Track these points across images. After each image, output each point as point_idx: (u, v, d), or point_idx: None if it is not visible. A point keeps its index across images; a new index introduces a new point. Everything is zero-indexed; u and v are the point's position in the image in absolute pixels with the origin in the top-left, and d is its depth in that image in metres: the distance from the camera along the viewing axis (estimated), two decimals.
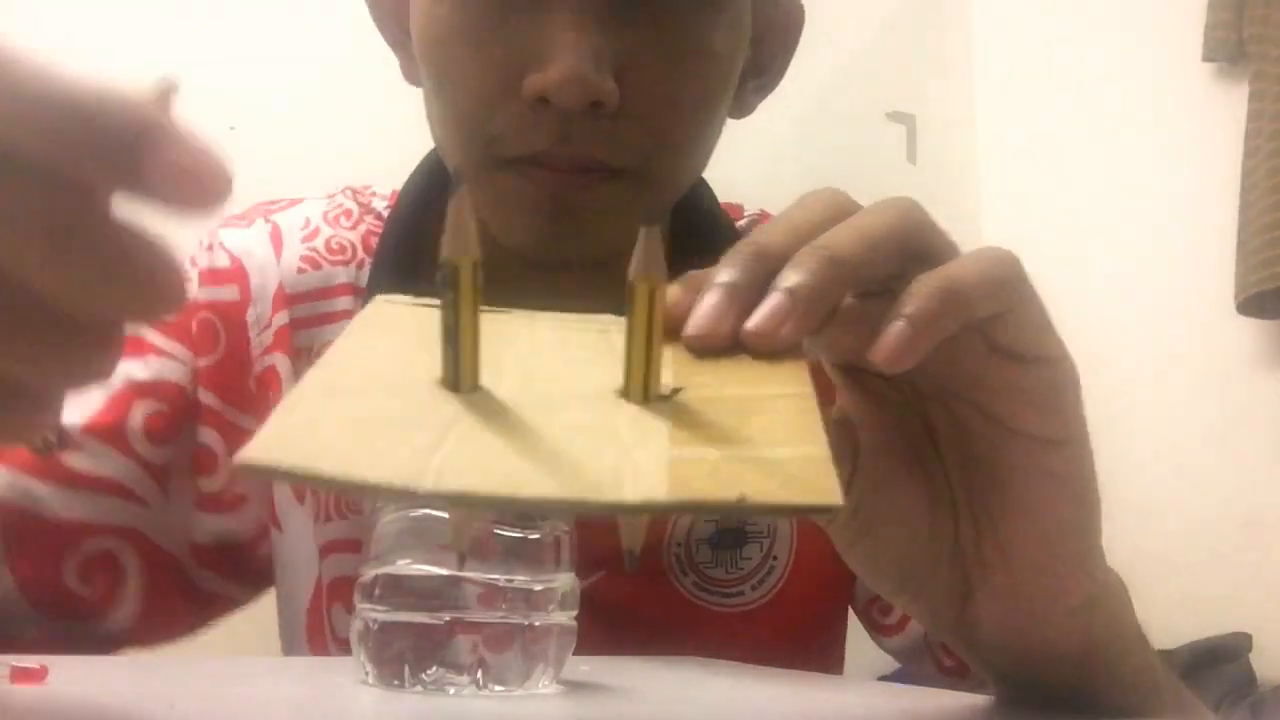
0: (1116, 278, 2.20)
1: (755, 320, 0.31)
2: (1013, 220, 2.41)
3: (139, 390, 0.62)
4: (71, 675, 0.33)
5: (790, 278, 0.31)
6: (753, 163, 1.96)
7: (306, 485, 0.31)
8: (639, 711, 0.38)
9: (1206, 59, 2.06)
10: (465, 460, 0.25)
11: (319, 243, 0.66)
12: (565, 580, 0.38)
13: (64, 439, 0.60)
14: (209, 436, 0.63)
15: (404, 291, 0.65)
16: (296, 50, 1.74)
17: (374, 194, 0.70)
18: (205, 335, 0.64)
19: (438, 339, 0.28)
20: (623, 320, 0.30)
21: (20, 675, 0.32)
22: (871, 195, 0.35)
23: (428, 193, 0.66)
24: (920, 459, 0.38)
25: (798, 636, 0.65)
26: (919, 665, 0.67)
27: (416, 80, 0.60)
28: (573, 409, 0.28)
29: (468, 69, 0.54)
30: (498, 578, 0.36)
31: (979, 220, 2.47)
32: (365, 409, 0.27)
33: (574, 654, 0.39)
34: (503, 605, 0.36)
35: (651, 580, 0.63)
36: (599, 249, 0.56)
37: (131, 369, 0.62)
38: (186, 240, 0.67)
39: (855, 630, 0.70)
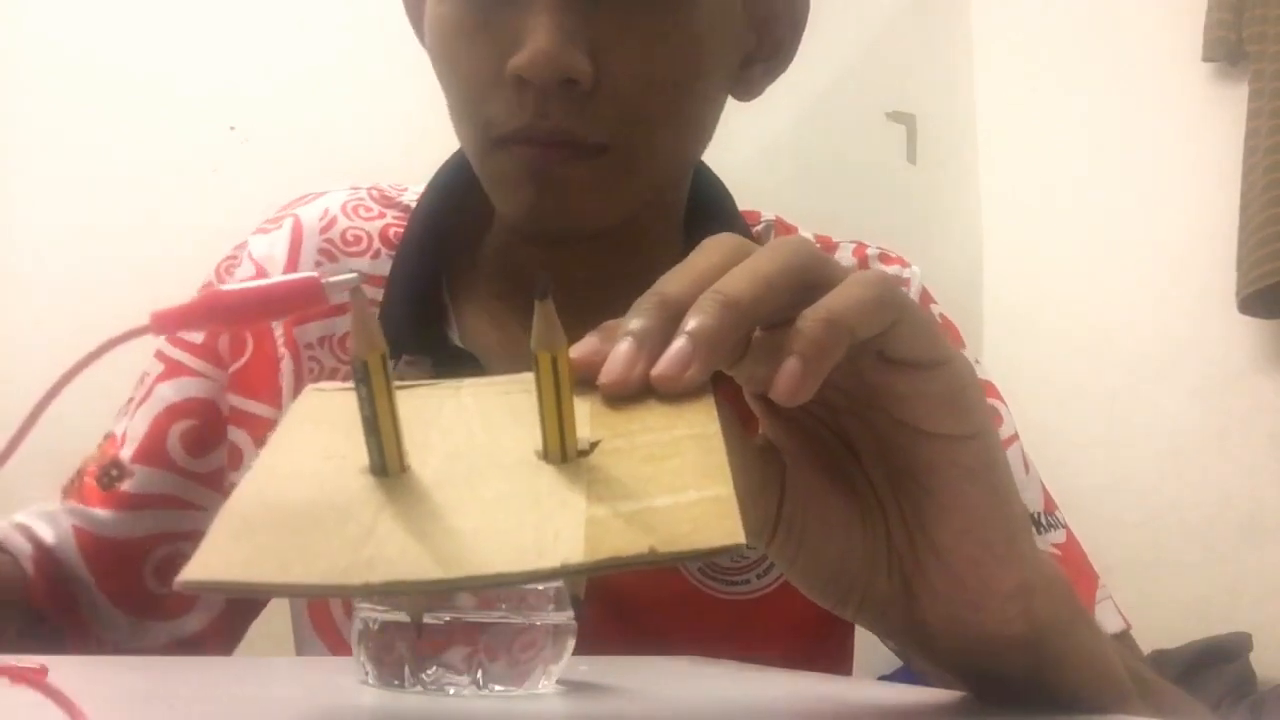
0: (1116, 277, 2.20)
1: (661, 366, 0.33)
2: (1013, 220, 2.41)
3: (172, 412, 0.67)
4: (71, 675, 0.33)
5: (691, 322, 0.33)
6: (753, 162, 1.96)
7: (247, 595, 0.33)
8: (639, 711, 0.38)
9: (1206, 59, 2.06)
10: (393, 549, 0.27)
11: (335, 234, 0.69)
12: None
13: (121, 472, 0.66)
14: (237, 435, 0.67)
15: (420, 285, 0.67)
16: (296, 50, 1.74)
17: (404, 189, 0.73)
18: (235, 342, 0.68)
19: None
20: None
21: (20, 675, 0.32)
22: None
23: (455, 183, 0.68)
24: (845, 473, 0.40)
25: (805, 626, 0.65)
26: None
27: None
28: (495, 479, 0.30)
29: (464, 60, 0.59)
30: None
31: (979, 220, 2.47)
32: (297, 509, 0.29)
33: (579, 645, 0.39)
34: (502, 605, 0.36)
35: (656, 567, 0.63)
36: (585, 223, 0.60)
37: (166, 392, 0.68)
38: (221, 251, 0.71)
39: (856, 630, 0.69)
